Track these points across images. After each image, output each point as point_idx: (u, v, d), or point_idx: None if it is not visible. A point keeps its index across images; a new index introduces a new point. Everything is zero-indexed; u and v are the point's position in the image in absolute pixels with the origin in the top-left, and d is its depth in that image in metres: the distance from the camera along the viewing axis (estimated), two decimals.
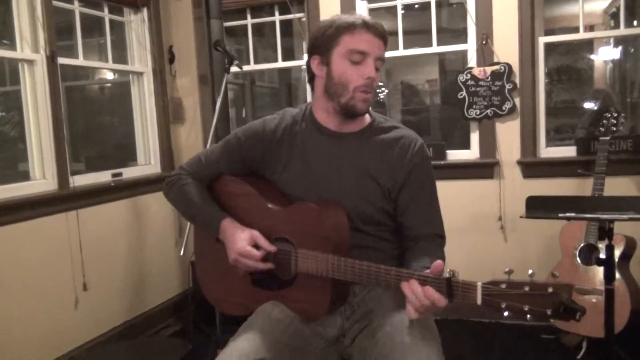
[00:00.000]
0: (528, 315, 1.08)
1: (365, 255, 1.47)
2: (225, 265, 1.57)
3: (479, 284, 1.15)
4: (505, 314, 1.11)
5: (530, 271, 1.12)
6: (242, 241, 1.50)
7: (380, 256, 1.52)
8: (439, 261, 1.25)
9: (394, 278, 1.30)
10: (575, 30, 3.25)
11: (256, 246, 1.51)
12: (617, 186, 2.88)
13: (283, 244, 1.51)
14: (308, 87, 1.81)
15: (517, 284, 1.10)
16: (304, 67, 1.84)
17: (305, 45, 3.52)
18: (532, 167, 3.20)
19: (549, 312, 1.06)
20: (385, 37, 1.52)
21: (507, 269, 1.13)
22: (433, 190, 1.60)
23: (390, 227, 1.58)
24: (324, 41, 1.51)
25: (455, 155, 3.41)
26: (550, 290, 1.06)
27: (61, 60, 2.90)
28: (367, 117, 1.61)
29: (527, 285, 1.09)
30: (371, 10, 3.50)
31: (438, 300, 1.21)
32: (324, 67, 1.52)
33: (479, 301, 1.14)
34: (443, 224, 1.59)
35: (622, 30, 3.25)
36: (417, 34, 3.91)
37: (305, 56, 1.62)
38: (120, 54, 3.52)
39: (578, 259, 2.72)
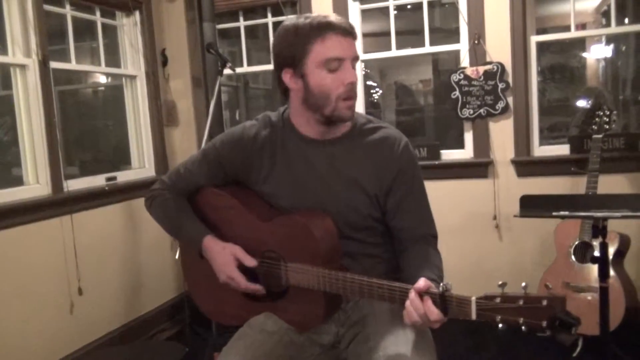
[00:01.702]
0: (523, 327, 1.08)
1: (356, 263, 1.46)
2: (214, 278, 1.53)
3: (473, 298, 1.13)
4: (500, 326, 1.10)
5: (523, 284, 1.11)
6: (228, 265, 1.48)
7: (371, 262, 1.51)
8: (422, 279, 1.22)
9: (387, 292, 1.28)
10: (567, 28, 3.26)
11: (241, 265, 1.48)
12: (611, 184, 2.89)
13: (272, 257, 1.48)
14: None
15: (511, 297, 1.10)
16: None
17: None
18: (526, 166, 3.22)
19: (544, 324, 1.06)
20: (355, 34, 1.42)
21: (500, 282, 1.12)
22: (422, 189, 1.53)
23: (379, 231, 1.53)
24: (292, 52, 1.39)
25: (449, 155, 3.41)
26: (544, 303, 1.07)
27: (53, 65, 2.88)
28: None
29: (521, 299, 1.09)
30: (364, 11, 3.50)
31: (437, 315, 1.18)
32: (299, 80, 1.42)
33: (473, 316, 1.13)
34: (434, 222, 1.53)
35: (614, 29, 3.26)
36: (410, 35, 3.92)
37: (271, 66, 1.50)
38: (113, 58, 3.51)
39: (573, 257, 2.73)
